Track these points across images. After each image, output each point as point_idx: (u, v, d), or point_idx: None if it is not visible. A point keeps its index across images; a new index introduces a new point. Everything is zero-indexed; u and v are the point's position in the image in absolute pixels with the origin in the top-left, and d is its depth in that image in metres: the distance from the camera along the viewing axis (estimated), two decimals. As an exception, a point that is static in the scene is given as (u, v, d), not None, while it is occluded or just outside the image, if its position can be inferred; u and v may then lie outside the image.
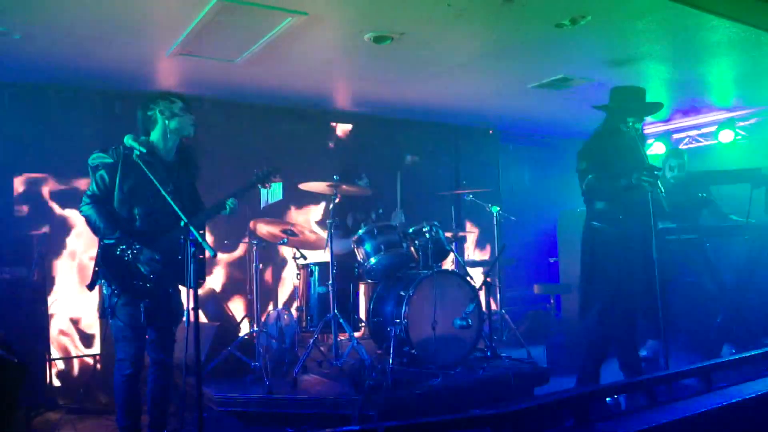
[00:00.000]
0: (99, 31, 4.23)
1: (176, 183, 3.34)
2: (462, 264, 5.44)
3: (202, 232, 3.23)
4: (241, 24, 4.08)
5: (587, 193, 4.12)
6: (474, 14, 4.03)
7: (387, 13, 4.00)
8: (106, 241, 3.20)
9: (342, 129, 6.95)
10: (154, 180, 3.01)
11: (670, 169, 5.65)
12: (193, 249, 2.75)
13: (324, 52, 4.83)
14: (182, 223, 2.81)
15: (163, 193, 2.97)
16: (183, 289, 3.49)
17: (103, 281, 3.23)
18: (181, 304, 3.47)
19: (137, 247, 3.18)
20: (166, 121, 3.35)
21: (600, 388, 2.82)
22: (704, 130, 7.72)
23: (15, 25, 4.07)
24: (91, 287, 3.27)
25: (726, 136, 7.20)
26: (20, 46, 4.44)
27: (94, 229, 3.24)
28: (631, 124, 3.98)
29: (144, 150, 3.13)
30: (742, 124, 7.27)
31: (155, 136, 3.39)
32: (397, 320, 4.54)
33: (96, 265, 3.26)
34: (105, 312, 3.23)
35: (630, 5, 4.06)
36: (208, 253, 2.82)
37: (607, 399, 3.44)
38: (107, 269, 3.20)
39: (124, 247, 3.16)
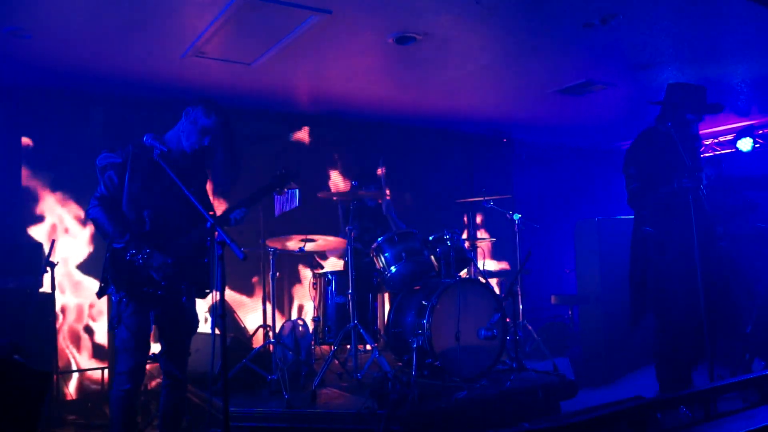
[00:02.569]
0: (113, 31, 4.11)
1: (189, 185, 3.08)
2: (481, 273, 5.28)
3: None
4: (261, 23, 3.95)
5: (632, 201, 3.98)
6: (503, 12, 3.92)
7: (413, 10, 3.88)
8: (115, 245, 3.00)
9: (356, 135, 6.82)
10: (178, 181, 2.84)
11: (707, 178, 5.52)
12: (220, 252, 2.57)
13: (343, 55, 4.72)
14: (208, 225, 2.63)
15: (187, 193, 2.81)
16: (198, 300, 3.30)
17: (112, 288, 3.03)
18: (196, 316, 3.29)
19: (147, 251, 2.97)
20: (185, 125, 3.18)
21: (650, 401, 2.66)
22: (721, 139, 7.61)
23: (26, 24, 3.95)
24: (100, 294, 3.08)
25: (745, 144, 7.07)
26: (32, 47, 4.32)
27: (103, 233, 3.07)
28: (686, 124, 3.84)
29: (165, 149, 2.98)
30: (760, 132, 7.16)
31: (171, 133, 3.22)
32: (419, 331, 4.37)
33: (104, 270, 3.05)
34: (112, 322, 3.04)
35: (661, 4, 3.95)
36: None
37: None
38: (116, 275, 2.99)
39: (134, 251, 2.95)
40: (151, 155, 3.06)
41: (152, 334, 3.17)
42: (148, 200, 3.06)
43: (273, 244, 4.85)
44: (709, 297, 3.65)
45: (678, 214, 3.80)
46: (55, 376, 4.57)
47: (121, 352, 3.02)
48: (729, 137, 7.47)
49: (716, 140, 7.68)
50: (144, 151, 3.08)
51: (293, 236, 4.90)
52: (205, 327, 5.59)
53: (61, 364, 4.93)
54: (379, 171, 5.35)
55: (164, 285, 3.04)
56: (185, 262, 3.09)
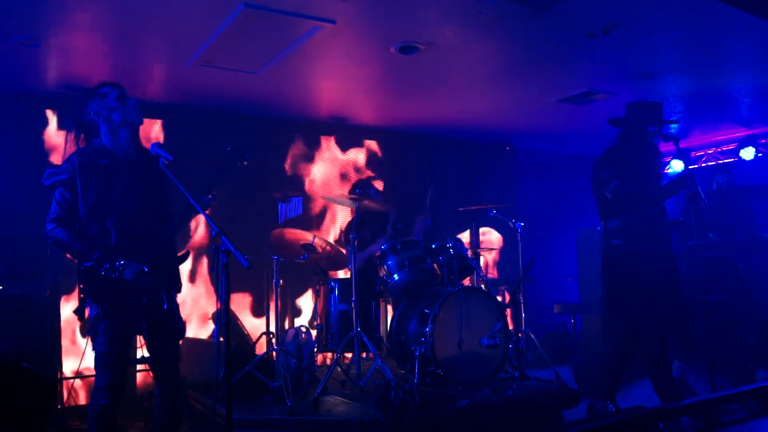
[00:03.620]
0: (120, 40, 4.15)
1: (146, 185, 3.04)
2: (485, 281, 5.29)
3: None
4: (266, 32, 3.99)
5: (611, 202, 3.98)
6: (505, 23, 3.95)
7: (417, 20, 3.92)
8: (86, 264, 2.88)
9: (360, 144, 6.86)
10: (183, 190, 2.84)
11: (717, 185, 5.56)
12: (225, 260, 2.57)
13: (346, 64, 4.75)
14: (213, 233, 2.62)
15: (192, 201, 2.79)
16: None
17: (90, 306, 2.94)
18: (182, 321, 3.23)
19: (122, 262, 2.86)
20: (107, 121, 3.00)
21: (652, 411, 2.66)
22: (724, 148, 7.61)
23: (35, 34, 3.99)
24: (80, 314, 2.96)
25: (747, 153, 7.10)
26: (41, 56, 4.37)
27: (71, 253, 2.97)
28: (649, 138, 3.89)
29: (171, 158, 2.96)
30: (763, 141, 7.17)
31: (105, 138, 3.03)
32: (422, 339, 4.38)
33: (81, 291, 2.94)
34: (90, 336, 2.95)
35: (663, 15, 3.98)
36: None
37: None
38: (95, 292, 2.90)
39: (107, 266, 2.84)
40: (97, 162, 2.94)
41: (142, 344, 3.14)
42: (108, 209, 2.93)
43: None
44: (679, 305, 3.74)
45: (642, 227, 3.84)
46: (59, 382, 4.60)
47: (99, 366, 2.92)
48: (731, 146, 7.49)
49: (719, 149, 7.69)
50: (90, 158, 2.95)
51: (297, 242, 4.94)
52: (206, 334, 5.63)
53: (65, 369, 4.95)
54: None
55: (147, 292, 2.96)
56: (161, 266, 3.01)
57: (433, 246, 4.90)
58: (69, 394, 4.98)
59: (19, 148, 5.11)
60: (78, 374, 5.10)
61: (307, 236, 4.92)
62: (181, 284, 3.23)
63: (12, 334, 4.09)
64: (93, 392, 2.97)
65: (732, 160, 7.52)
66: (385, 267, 4.73)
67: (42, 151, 5.19)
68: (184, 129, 5.70)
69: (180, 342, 3.23)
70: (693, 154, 7.90)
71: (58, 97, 5.22)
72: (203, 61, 4.50)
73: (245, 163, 3.42)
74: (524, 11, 3.75)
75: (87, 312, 2.96)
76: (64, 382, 4.83)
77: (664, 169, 4.12)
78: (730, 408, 3.46)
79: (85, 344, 5.16)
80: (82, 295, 2.95)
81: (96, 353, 2.94)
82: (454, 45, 4.34)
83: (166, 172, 2.97)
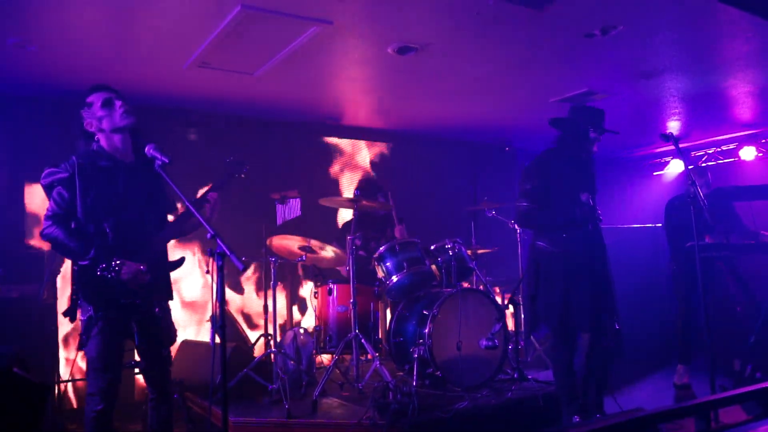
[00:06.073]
0: (117, 41, 4.14)
1: (144, 188, 3.03)
2: (484, 282, 5.27)
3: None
4: (264, 34, 3.97)
5: (520, 220, 4.05)
6: (503, 24, 3.93)
7: (414, 21, 3.90)
8: (82, 263, 2.85)
9: (359, 146, 6.85)
10: (179, 192, 2.82)
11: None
12: (220, 263, 2.56)
13: (344, 65, 4.74)
14: (209, 236, 2.61)
15: (187, 203, 2.79)
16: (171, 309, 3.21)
17: (82, 307, 2.89)
18: (173, 325, 3.19)
19: (117, 262, 2.82)
20: (99, 129, 3.01)
21: (650, 414, 2.64)
22: (724, 148, 7.59)
23: (30, 36, 3.98)
24: (71, 315, 2.92)
25: (747, 153, 7.08)
26: (36, 59, 4.35)
27: (65, 251, 2.93)
28: (587, 143, 3.87)
29: (167, 160, 2.94)
30: (763, 141, 7.15)
31: (102, 143, 3.03)
32: (421, 340, 4.38)
33: (73, 291, 2.91)
34: (81, 340, 2.90)
35: (662, 15, 3.96)
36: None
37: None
38: (88, 292, 2.86)
39: (103, 265, 2.81)
40: (97, 163, 2.94)
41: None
42: (106, 211, 2.92)
43: (276, 249, 4.87)
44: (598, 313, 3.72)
45: (566, 232, 3.80)
46: (56, 385, 4.58)
47: (91, 371, 2.89)
48: (731, 146, 7.47)
49: (719, 149, 7.67)
50: (90, 160, 2.95)
51: (295, 244, 4.92)
52: (206, 336, 5.61)
53: (62, 372, 4.94)
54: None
55: (140, 294, 2.93)
56: (158, 270, 3.00)
57: (432, 247, 4.88)
58: (66, 397, 4.97)
59: (17, 150, 5.09)
60: (73, 378, 5.10)
61: (299, 245, 4.88)
62: (172, 292, 3.20)
63: (9, 338, 4.08)
64: (87, 399, 2.91)
65: (732, 160, 7.50)
66: (384, 268, 4.72)
67: (38, 153, 5.16)
68: (181, 131, 5.71)
69: (171, 346, 3.18)
70: (693, 154, 7.88)
71: (53, 100, 5.21)
72: (201, 63, 4.49)
73: (243, 176, 3.45)
74: (522, 12, 3.73)
75: (79, 314, 2.92)
76: (61, 384, 4.81)
77: (593, 180, 4.09)
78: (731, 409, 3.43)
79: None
80: (74, 296, 2.92)
81: (88, 358, 2.90)
82: (451, 46, 4.33)
83: (162, 175, 2.95)
